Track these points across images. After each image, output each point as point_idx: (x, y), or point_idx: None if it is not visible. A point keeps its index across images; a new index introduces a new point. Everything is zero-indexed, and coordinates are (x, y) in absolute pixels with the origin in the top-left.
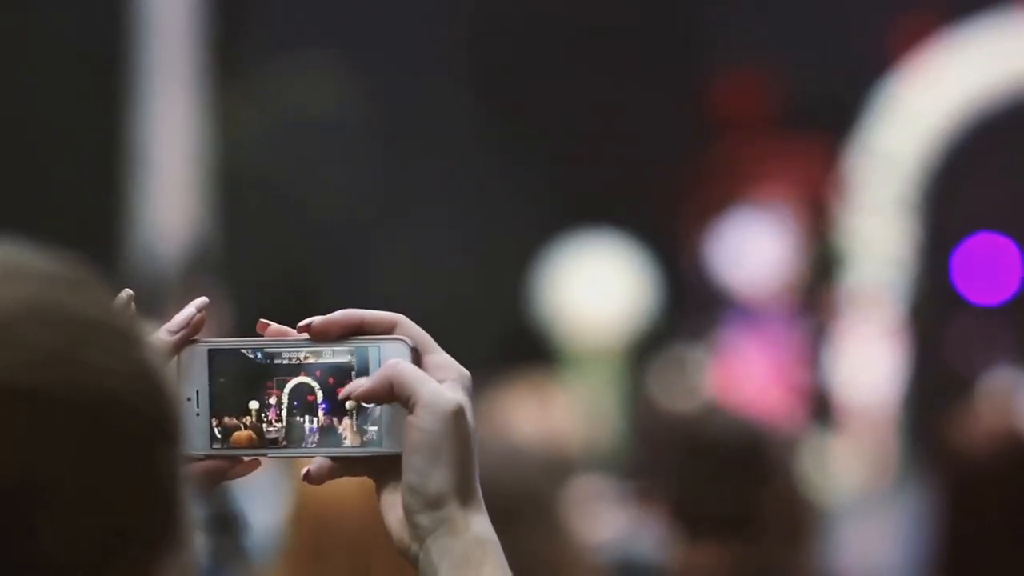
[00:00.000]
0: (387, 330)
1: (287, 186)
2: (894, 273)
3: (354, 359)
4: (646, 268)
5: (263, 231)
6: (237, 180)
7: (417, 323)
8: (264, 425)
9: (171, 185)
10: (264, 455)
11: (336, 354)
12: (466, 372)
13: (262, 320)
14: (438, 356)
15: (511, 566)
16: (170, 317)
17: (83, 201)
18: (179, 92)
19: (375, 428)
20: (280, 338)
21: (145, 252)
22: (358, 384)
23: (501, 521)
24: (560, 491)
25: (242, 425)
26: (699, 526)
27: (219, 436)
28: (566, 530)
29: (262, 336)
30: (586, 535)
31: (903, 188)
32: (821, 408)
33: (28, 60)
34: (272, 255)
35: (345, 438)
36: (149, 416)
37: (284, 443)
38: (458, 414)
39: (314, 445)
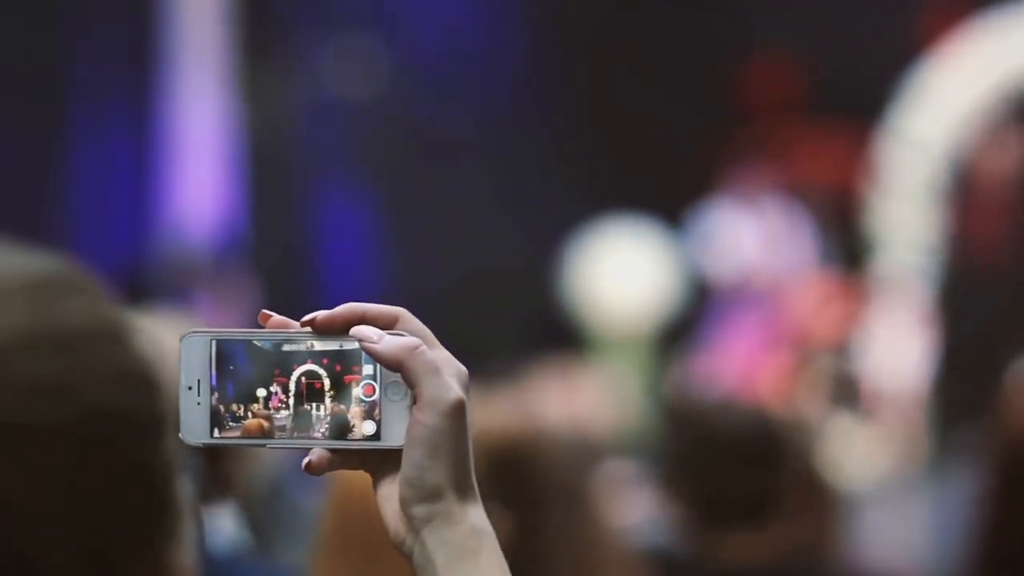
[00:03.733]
0: (389, 324)
1: (318, 169)
2: (923, 259)
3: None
4: (676, 254)
5: (293, 215)
6: (268, 163)
7: (448, 307)
8: (272, 413)
9: (202, 168)
10: (262, 446)
11: (343, 342)
12: (464, 369)
13: (264, 311)
14: (438, 352)
15: (543, 550)
16: (201, 300)
17: (114, 184)
18: (210, 74)
19: (374, 423)
20: (282, 330)
21: (176, 236)
22: (371, 339)
23: (532, 506)
24: (590, 475)
25: (250, 413)
26: (723, 515)
27: (230, 425)
28: (597, 514)
29: (263, 327)
30: (616, 519)
31: (933, 174)
32: (849, 394)
33: (58, 43)
34: (301, 239)
35: (353, 426)
36: (140, 416)
37: (292, 431)
38: (459, 410)
39: (322, 432)
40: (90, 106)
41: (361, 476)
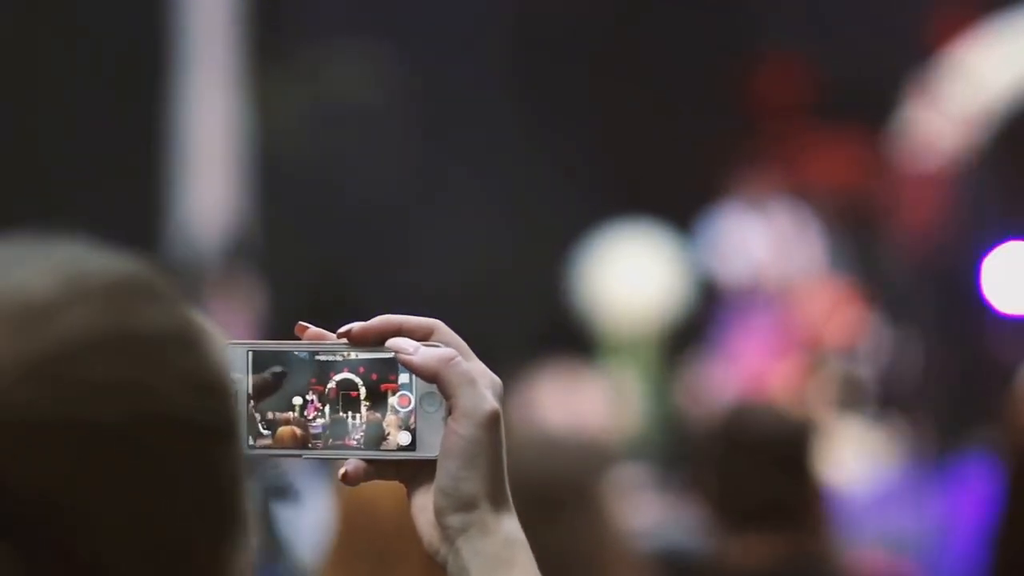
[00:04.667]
0: (424, 336)
1: (327, 173)
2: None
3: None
4: (685, 257)
5: (303, 219)
6: (277, 168)
7: (455, 310)
8: (308, 421)
9: (211, 172)
10: (298, 456)
11: (379, 353)
12: (498, 380)
13: (301, 323)
14: (473, 363)
15: (553, 554)
16: (210, 305)
17: (122, 188)
18: (219, 79)
19: (409, 433)
20: (318, 342)
21: (184, 240)
22: (407, 351)
23: (543, 509)
24: (600, 479)
25: (286, 422)
26: (742, 517)
27: (264, 433)
28: (607, 518)
29: (300, 338)
30: (626, 523)
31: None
32: (858, 397)
33: (68, 46)
34: (312, 243)
35: (388, 434)
36: (207, 423)
37: (327, 439)
38: (494, 421)
39: (357, 440)
40: (100, 110)
41: (370, 483)
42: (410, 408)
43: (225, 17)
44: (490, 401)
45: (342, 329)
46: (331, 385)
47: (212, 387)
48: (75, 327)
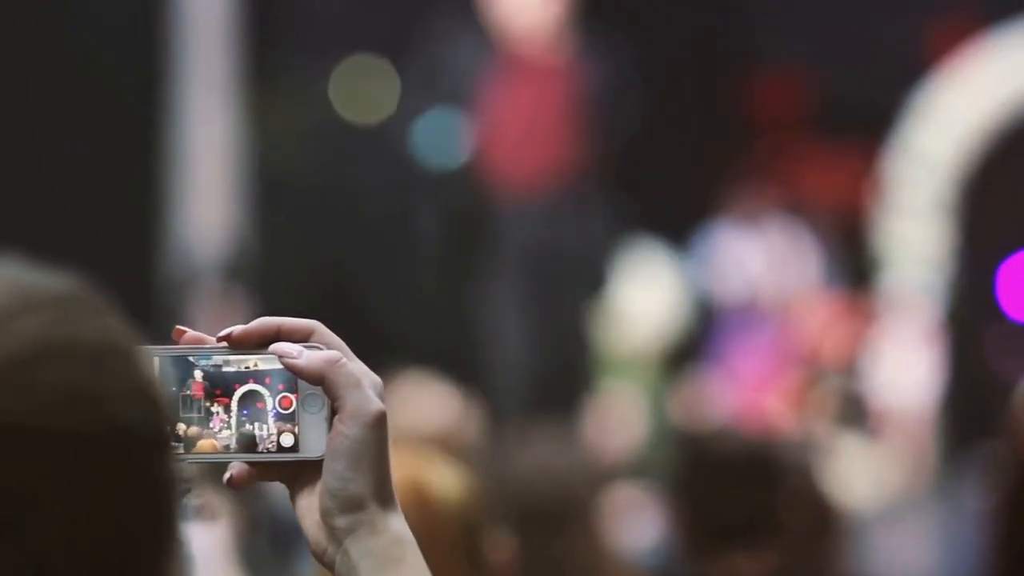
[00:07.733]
0: (304, 338)
1: (326, 189)
2: (932, 276)
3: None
4: (682, 274)
5: (301, 235)
6: (275, 184)
7: (455, 324)
8: (215, 431)
9: (208, 189)
10: (183, 460)
11: (262, 353)
12: (379, 380)
13: (178, 327)
14: (356, 364)
15: (551, 569)
16: (203, 321)
17: (120, 204)
18: (216, 95)
19: (292, 435)
20: (197, 346)
21: (182, 256)
22: (291, 355)
23: (540, 526)
24: (597, 498)
25: (196, 432)
26: (718, 538)
27: (174, 445)
28: (603, 536)
29: (177, 343)
30: (622, 541)
31: (941, 191)
32: (857, 413)
33: (65, 64)
34: (310, 259)
35: (290, 444)
36: (145, 432)
37: (236, 451)
38: (380, 421)
39: (266, 451)
40: (97, 125)
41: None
42: (292, 410)
43: (222, 32)
44: (376, 402)
45: (222, 332)
46: (237, 396)
47: (151, 397)
48: (26, 335)
